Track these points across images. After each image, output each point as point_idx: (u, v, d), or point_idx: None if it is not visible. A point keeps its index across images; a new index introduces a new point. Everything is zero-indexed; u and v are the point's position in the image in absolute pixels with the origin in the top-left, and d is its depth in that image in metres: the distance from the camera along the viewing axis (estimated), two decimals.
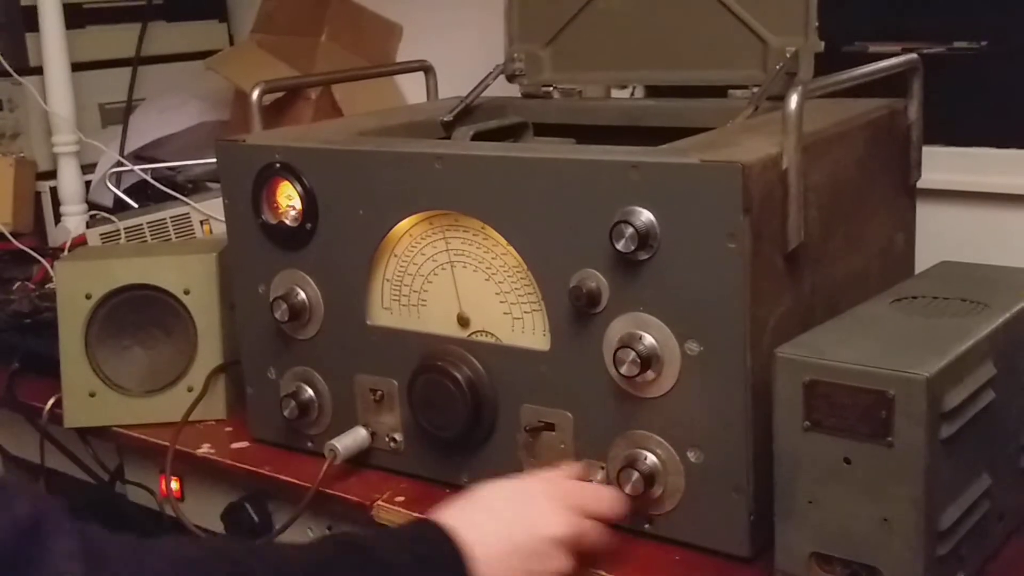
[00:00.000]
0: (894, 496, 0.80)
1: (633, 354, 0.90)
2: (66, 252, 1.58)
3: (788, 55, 1.15)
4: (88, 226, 1.62)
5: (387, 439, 1.10)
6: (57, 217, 1.82)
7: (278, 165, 1.10)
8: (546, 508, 0.86)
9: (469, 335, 1.04)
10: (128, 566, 0.71)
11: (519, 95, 1.37)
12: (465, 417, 1.01)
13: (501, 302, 1.01)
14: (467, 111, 1.30)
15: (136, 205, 1.68)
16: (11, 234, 1.75)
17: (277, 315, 1.11)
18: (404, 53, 1.80)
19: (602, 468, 0.96)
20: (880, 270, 1.10)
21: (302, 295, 1.11)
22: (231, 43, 2.13)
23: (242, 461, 1.17)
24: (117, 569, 0.70)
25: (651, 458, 0.93)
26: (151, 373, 1.28)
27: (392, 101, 1.76)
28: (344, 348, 1.10)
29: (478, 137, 1.19)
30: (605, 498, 0.90)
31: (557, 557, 0.85)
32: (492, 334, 1.02)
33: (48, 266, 1.61)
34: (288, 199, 1.11)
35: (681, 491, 0.93)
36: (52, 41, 1.76)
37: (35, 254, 1.68)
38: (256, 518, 1.16)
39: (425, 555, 0.82)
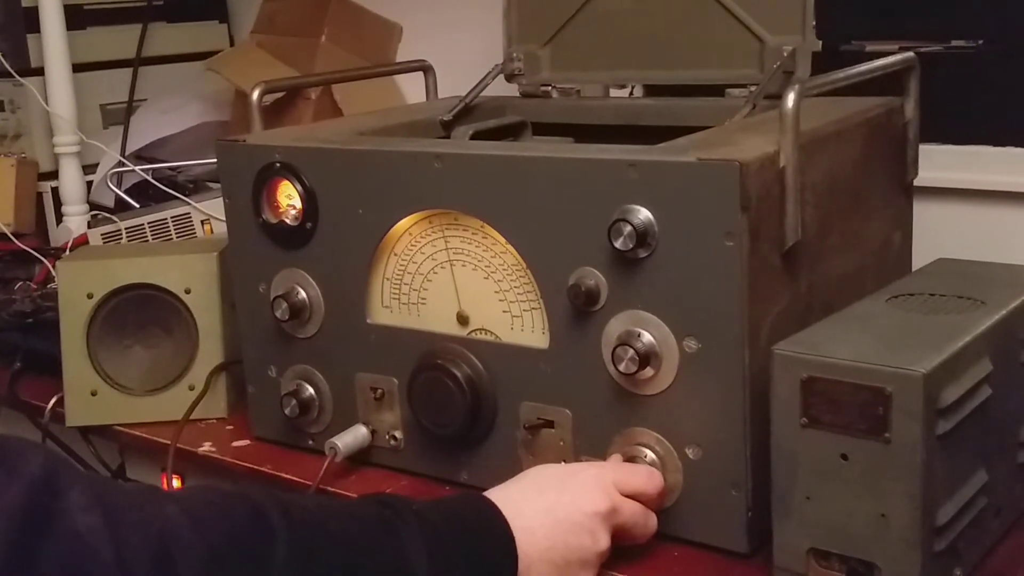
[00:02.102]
0: (891, 492, 0.80)
1: (631, 351, 0.91)
2: (68, 252, 1.59)
3: (785, 54, 1.16)
4: (89, 226, 1.62)
5: (387, 437, 1.10)
6: (59, 217, 1.82)
7: (278, 165, 1.10)
8: (588, 485, 0.89)
9: (468, 333, 1.04)
10: (142, 513, 0.71)
11: (518, 95, 1.37)
12: (465, 415, 1.02)
13: (500, 300, 1.01)
14: (466, 111, 1.31)
15: (137, 205, 1.69)
16: (13, 234, 1.75)
17: (278, 314, 1.11)
18: (403, 53, 1.80)
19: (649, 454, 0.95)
20: (877, 267, 1.10)
21: (302, 294, 1.12)
22: (231, 44, 2.14)
23: (243, 459, 1.18)
24: (132, 517, 0.70)
25: (650, 455, 0.94)
26: (152, 372, 1.28)
27: (392, 101, 1.76)
28: (344, 346, 1.11)
29: (477, 136, 1.20)
30: (641, 473, 0.92)
31: (598, 532, 0.87)
32: (491, 332, 1.03)
33: (50, 266, 1.61)
34: (288, 198, 1.11)
35: (679, 488, 0.93)
36: (53, 42, 1.76)
37: (37, 254, 1.68)
38: None
39: (471, 523, 0.84)
